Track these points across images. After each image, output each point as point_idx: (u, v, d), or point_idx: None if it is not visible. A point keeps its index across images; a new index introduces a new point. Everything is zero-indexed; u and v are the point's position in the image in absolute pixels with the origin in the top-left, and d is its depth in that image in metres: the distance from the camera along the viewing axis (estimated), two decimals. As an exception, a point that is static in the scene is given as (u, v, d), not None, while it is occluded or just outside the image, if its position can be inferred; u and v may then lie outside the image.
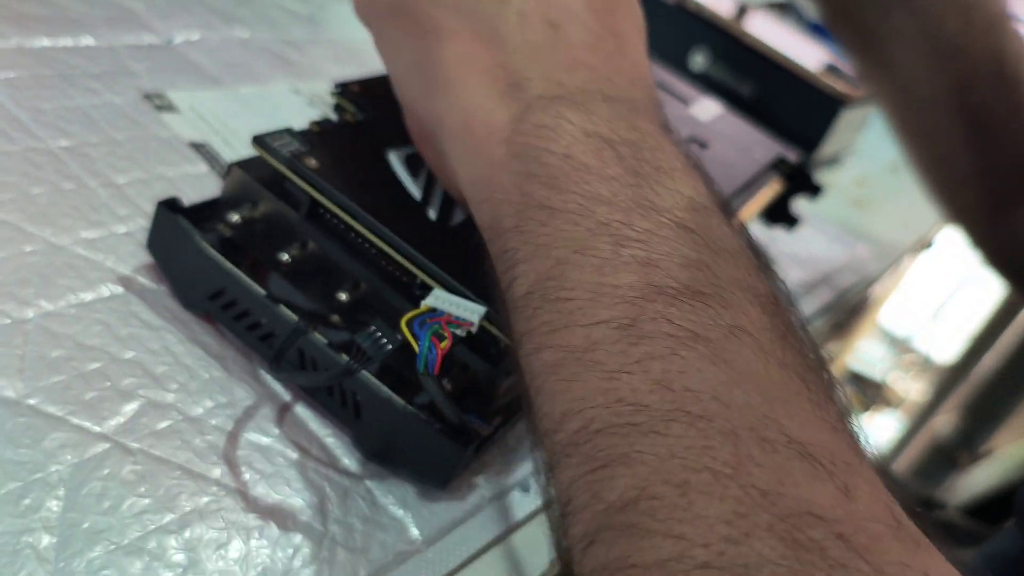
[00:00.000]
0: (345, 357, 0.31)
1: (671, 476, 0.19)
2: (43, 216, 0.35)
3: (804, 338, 0.23)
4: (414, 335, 0.28)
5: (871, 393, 1.89)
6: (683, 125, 0.52)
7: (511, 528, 0.32)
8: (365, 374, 0.30)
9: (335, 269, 0.32)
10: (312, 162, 0.32)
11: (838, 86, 0.76)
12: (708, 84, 0.76)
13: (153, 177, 0.39)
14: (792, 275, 0.61)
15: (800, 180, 0.56)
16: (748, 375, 0.21)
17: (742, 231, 0.26)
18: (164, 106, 0.44)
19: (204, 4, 0.55)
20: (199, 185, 0.40)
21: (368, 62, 0.47)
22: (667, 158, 0.26)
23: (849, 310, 0.67)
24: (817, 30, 0.89)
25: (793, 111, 0.76)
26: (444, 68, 0.29)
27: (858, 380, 1.90)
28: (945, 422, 1.26)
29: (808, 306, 0.59)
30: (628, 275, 0.23)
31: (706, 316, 0.22)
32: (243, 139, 0.44)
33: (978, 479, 0.99)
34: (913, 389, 1.86)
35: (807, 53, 0.81)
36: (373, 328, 0.28)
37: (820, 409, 0.21)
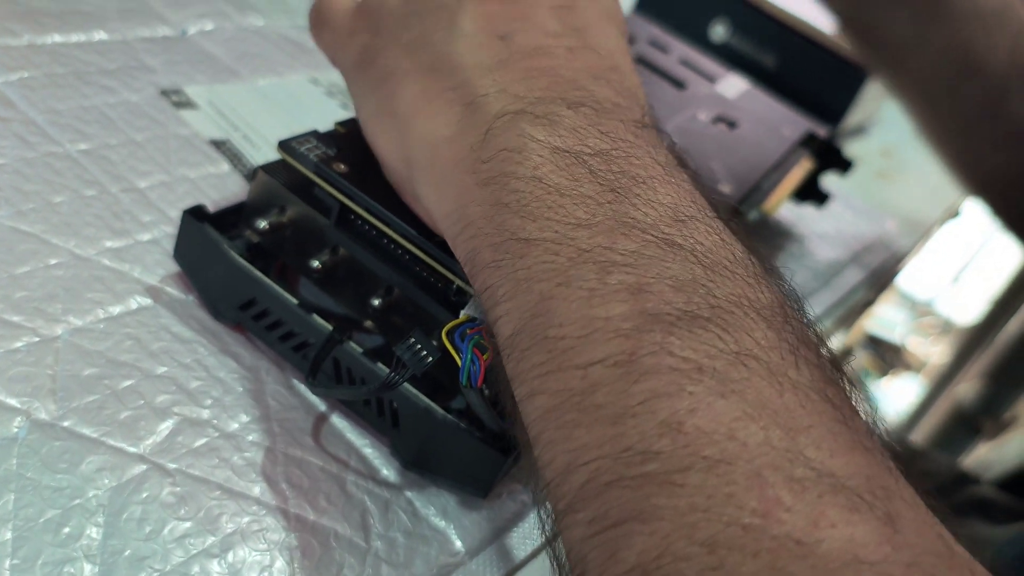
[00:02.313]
0: (381, 365, 0.30)
1: (695, 533, 0.18)
2: (67, 226, 0.34)
3: (818, 345, 0.22)
4: (455, 347, 0.27)
5: (889, 357, 1.87)
6: (711, 104, 0.51)
7: (554, 536, 0.32)
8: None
9: (368, 275, 0.31)
10: (340, 167, 0.31)
11: (863, 55, 0.74)
12: (729, 55, 0.75)
13: (175, 179, 0.38)
14: (822, 254, 0.60)
15: (830, 156, 0.55)
16: (763, 406, 0.19)
17: (737, 233, 0.24)
18: (182, 102, 0.43)
19: (216, -9, 0.53)
20: (222, 185, 0.39)
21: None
22: (643, 165, 0.24)
23: (880, 288, 0.66)
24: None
25: (817, 81, 0.74)
26: (403, 107, 0.28)
27: (876, 343, 1.88)
28: (967, 388, 1.24)
29: (840, 286, 0.58)
30: (619, 305, 0.21)
31: (708, 343, 0.20)
32: (264, 135, 0.43)
33: (1010, 451, 0.98)
34: (933, 352, 1.85)
35: (831, 22, 0.79)
36: (412, 340, 0.27)
37: (847, 427, 0.20)
